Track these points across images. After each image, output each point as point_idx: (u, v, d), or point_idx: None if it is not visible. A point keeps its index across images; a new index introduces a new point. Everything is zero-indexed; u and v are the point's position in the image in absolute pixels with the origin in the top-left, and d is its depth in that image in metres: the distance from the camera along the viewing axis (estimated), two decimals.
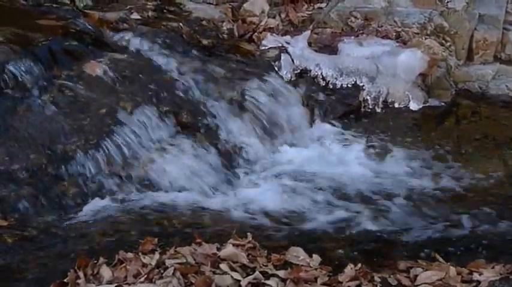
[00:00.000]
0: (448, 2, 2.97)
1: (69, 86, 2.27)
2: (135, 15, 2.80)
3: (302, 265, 1.53)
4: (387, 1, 2.98)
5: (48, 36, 2.44)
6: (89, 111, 2.21)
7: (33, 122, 2.11)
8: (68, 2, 2.85)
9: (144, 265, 1.47)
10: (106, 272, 1.45)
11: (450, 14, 2.94)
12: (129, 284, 1.42)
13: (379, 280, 1.44)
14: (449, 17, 2.94)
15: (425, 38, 2.84)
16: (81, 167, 2.04)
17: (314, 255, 1.57)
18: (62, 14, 2.70)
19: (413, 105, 2.73)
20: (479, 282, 1.44)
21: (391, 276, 1.47)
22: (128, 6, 2.88)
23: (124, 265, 1.47)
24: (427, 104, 2.76)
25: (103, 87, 2.32)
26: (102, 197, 1.99)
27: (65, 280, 1.44)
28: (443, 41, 2.89)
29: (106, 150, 2.10)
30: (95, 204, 1.95)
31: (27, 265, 1.60)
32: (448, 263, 1.53)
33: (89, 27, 2.62)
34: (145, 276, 1.43)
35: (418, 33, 2.85)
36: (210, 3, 3.00)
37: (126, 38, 2.61)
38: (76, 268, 1.47)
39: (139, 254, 1.51)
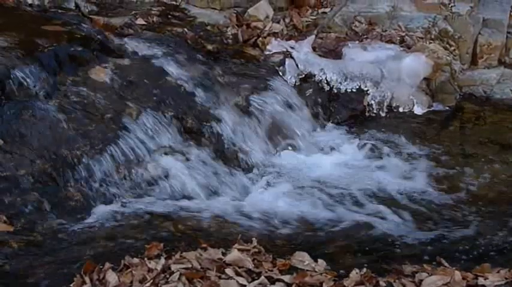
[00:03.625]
0: (452, 6, 2.98)
1: (75, 91, 2.28)
2: (140, 21, 2.81)
3: (307, 270, 1.54)
4: (391, 6, 2.99)
5: (53, 42, 2.44)
6: (95, 117, 2.21)
7: (39, 128, 2.11)
8: (73, 8, 2.87)
9: (149, 270, 1.47)
10: (112, 277, 1.45)
11: (454, 18, 2.95)
12: None
13: (384, 284, 1.45)
14: (453, 21, 2.95)
15: (430, 43, 2.86)
16: (87, 172, 2.04)
17: (319, 260, 1.58)
18: (67, 20, 2.71)
19: (418, 110, 2.74)
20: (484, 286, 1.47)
21: (396, 281, 1.48)
22: (133, 12, 2.89)
23: (130, 270, 1.48)
24: (432, 109, 2.77)
25: (108, 92, 2.32)
26: (108, 203, 2.00)
27: (71, 285, 1.45)
28: (447, 46, 2.90)
29: (111, 155, 2.10)
30: (101, 209, 1.95)
31: (33, 270, 1.60)
32: (453, 268, 1.53)
33: (94, 32, 2.63)
34: (151, 281, 1.44)
35: (422, 38, 2.87)
36: (214, 9, 3.00)
37: (131, 44, 2.62)
38: (82, 273, 1.48)
39: (145, 259, 1.52)
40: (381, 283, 1.45)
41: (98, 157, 2.07)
